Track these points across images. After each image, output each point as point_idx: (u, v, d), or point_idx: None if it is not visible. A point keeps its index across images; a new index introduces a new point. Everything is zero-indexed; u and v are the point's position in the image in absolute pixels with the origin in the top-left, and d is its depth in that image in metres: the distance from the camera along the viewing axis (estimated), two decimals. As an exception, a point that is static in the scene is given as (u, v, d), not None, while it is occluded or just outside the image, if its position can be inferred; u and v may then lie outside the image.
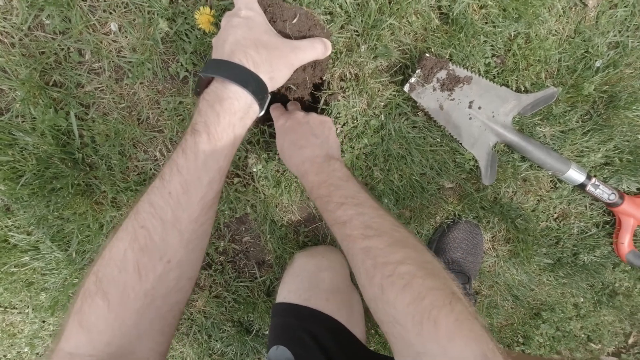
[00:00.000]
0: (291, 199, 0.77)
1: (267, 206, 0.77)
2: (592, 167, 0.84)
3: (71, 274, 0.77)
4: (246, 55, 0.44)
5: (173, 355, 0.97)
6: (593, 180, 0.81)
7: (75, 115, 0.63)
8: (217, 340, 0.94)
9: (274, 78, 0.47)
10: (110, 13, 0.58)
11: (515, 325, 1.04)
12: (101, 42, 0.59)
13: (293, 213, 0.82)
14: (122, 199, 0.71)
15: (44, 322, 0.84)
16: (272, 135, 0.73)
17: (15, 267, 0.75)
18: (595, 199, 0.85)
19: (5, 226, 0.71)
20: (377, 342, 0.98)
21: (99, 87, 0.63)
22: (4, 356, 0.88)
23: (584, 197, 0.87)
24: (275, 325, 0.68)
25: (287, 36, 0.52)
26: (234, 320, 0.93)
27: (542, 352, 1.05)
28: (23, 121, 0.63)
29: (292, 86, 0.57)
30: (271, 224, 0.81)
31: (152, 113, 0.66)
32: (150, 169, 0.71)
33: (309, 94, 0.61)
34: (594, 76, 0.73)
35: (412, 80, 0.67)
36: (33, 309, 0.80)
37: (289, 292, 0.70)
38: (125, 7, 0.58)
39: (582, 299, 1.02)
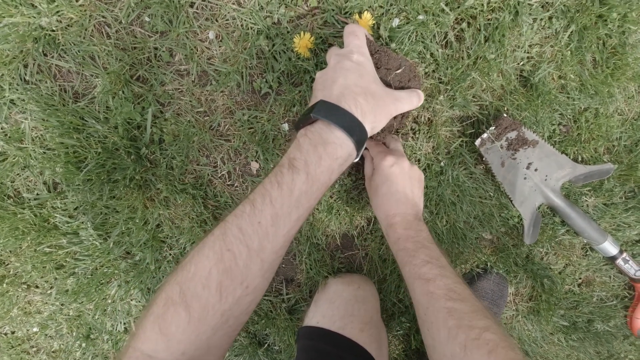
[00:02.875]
0: (337, 226, 0.78)
1: (313, 229, 0.77)
2: (625, 242, 0.86)
3: (104, 263, 0.76)
4: (356, 103, 0.45)
5: (180, 356, 0.96)
6: (624, 255, 0.83)
7: (152, 113, 0.63)
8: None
9: (375, 127, 0.49)
10: (213, 22, 0.58)
11: (518, 378, 1.05)
12: (195, 48, 0.59)
13: (335, 239, 0.82)
14: (174, 200, 0.70)
15: (62, 305, 0.82)
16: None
17: (49, 247, 0.73)
18: (621, 272, 0.87)
19: (52, 207, 0.70)
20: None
21: (179, 89, 0.63)
22: (12, 332, 0.85)
23: (610, 268, 0.89)
24: (307, 348, 0.68)
25: (388, 85, 0.53)
26: (249, 331, 0.92)
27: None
28: (97, 109, 0.62)
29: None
30: (311, 245, 0.81)
31: (224, 122, 0.66)
32: (208, 175, 0.70)
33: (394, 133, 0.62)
34: (650, 160, 0.75)
35: (485, 135, 0.68)
36: (57, 292, 0.78)
37: (323, 317, 0.70)
38: (229, 20, 0.58)
39: (586, 364, 1.04)
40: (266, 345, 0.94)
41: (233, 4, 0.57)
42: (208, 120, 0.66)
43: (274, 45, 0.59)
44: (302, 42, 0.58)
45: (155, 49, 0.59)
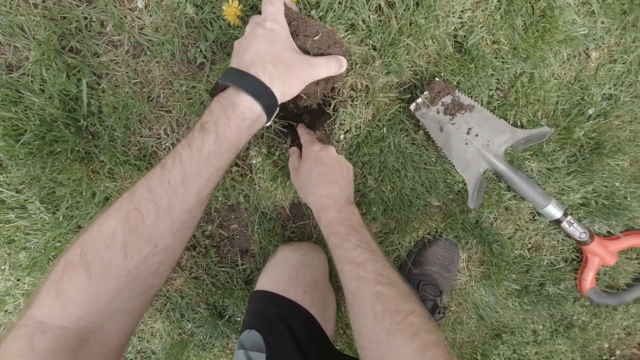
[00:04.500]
0: (285, 195, 0.79)
1: (260, 198, 0.79)
2: (570, 205, 0.89)
3: (54, 237, 0.77)
4: (264, 69, 0.47)
5: (142, 330, 0.98)
6: (569, 217, 0.86)
7: (87, 84, 0.63)
8: (189, 321, 0.96)
9: (286, 93, 0.50)
10: (139, -11, 0.58)
11: (476, 343, 1.09)
12: (125, 17, 0.60)
13: (284, 208, 0.84)
14: (119, 172, 0.72)
15: (18, 280, 0.83)
16: (277, 132, 0.75)
17: (4, 224, 0.75)
18: (568, 235, 0.90)
19: (-4, 181, 0.71)
20: (343, 342, 1.02)
21: (114, 60, 0.64)
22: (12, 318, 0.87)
23: (558, 232, 0.92)
24: (251, 310, 0.71)
25: (306, 52, 0.54)
26: (209, 303, 0.94)
27: (497, 372, 1.11)
28: (32, 81, 0.63)
29: (303, 95, 0.59)
30: (261, 215, 0.83)
31: (163, 93, 0.67)
32: (152, 146, 0.71)
33: (320, 98, 0.63)
34: (586, 122, 0.78)
35: (419, 100, 0.70)
36: (10, 266, 0.79)
37: (268, 281, 0.73)
38: (154, -14, 0.59)
39: (541, 327, 1.08)
40: (227, 316, 0.97)
41: (157, -30, 0.57)
42: (146, 92, 0.66)
43: (203, 13, 0.59)
44: (230, 10, 0.58)
45: (85, 18, 0.60)
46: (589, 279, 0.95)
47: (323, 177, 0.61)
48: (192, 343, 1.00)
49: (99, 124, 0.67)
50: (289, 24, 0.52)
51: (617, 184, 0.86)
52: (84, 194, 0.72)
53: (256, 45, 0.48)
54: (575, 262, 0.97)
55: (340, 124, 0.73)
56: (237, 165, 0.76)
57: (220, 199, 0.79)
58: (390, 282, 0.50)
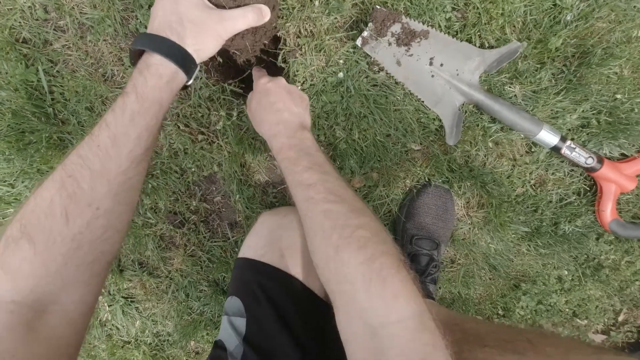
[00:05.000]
0: (255, 158, 0.79)
1: (232, 164, 0.80)
2: (569, 129, 0.81)
3: (53, 227, 0.83)
4: (171, 30, 0.48)
5: (155, 313, 1.02)
6: (568, 142, 0.78)
7: (45, 72, 0.68)
8: (195, 300, 0.98)
9: (201, 50, 0.50)
10: (69, -31, 0.62)
11: (494, 296, 1.02)
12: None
13: (260, 173, 0.84)
14: (94, 154, 0.75)
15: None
16: (234, 94, 0.75)
17: (2, 218, 0.81)
18: (574, 163, 0.82)
19: (-9, 178, 0.77)
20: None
21: (65, 45, 0.67)
22: None
23: (562, 162, 0.84)
24: (233, 278, 0.71)
25: (221, 7, 0.53)
26: (210, 279, 0.96)
27: (524, 325, 1.03)
28: (-1, 77, 0.68)
29: (236, 52, 0.58)
30: (239, 183, 0.83)
31: (116, 70, 0.70)
32: (119, 126, 0.74)
33: (255, 52, 0.62)
34: (562, 30, 0.70)
35: (365, 34, 0.67)
36: None
37: (248, 247, 0.73)
38: (83, -36, 0.62)
39: (565, 272, 0.99)
40: (229, 292, 0.98)
41: (80, -54, 0.60)
42: (101, 72, 0.70)
43: (130, -20, 0.61)
44: (156, -28, 0.59)
45: (29, 7, 0.64)
46: (608, 210, 0.85)
47: (272, 106, 0.60)
48: (202, 322, 1.03)
49: (65, 109, 0.71)
50: None
51: (618, 96, 0.77)
52: (66, 180, 0.77)
53: (162, 8, 0.49)
54: (589, 193, 0.87)
55: (294, 75, 0.72)
56: (202, 133, 0.77)
57: (194, 170, 0.81)
58: (341, 199, 0.49)
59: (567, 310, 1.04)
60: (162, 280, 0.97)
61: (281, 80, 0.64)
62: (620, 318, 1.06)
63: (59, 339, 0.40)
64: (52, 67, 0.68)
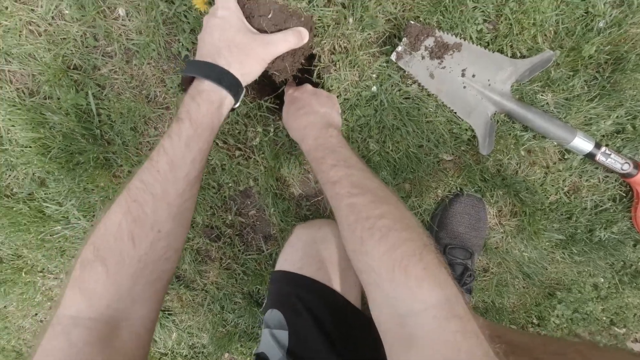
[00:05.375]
0: (290, 172, 0.81)
1: (268, 179, 0.82)
2: (603, 135, 0.80)
3: (96, 243, 0.86)
4: (220, 56, 0.51)
5: (190, 325, 1.04)
6: (603, 149, 0.78)
7: (93, 95, 0.71)
8: (229, 312, 1.00)
9: (247, 74, 0.53)
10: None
11: (528, 305, 1.01)
12: (111, 27, 0.67)
13: (295, 187, 0.85)
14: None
15: (76, 287, 0.93)
16: (270, 110, 0.77)
17: (50, 235, 0.85)
18: (609, 170, 0.81)
19: (41, 197, 0.81)
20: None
21: (112, 69, 0.71)
22: (45, 318, 0.99)
23: (596, 168, 0.84)
24: (271, 291, 0.73)
25: (263, 31, 0.56)
26: (244, 292, 0.98)
27: (560, 334, 1.01)
28: (50, 102, 0.72)
29: (275, 73, 0.61)
30: (274, 197, 0.85)
31: (159, 91, 0.73)
32: (161, 144, 0.78)
33: (294, 72, 0.65)
34: (595, 37, 0.70)
35: (399, 48, 0.68)
36: (66, 275, 0.89)
37: (284, 260, 0.74)
38: (130, -6, 0.65)
39: (602, 279, 0.97)
40: (263, 304, 0.99)
41: (129, -23, 0.64)
42: (144, 93, 0.73)
43: (175, 7, 0.64)
44: (199, -1, 0.63)
45: (80, 36, 0.67)
46: (645, 216, 0.84)
47: (299, 111, 0.62)
48: (236, 334, 1.05)
49: (111, 130, 0.74)
50: (243, 7, 0.55)
51: (654, 100, 0.76)
52: (111, 198, 0.80)
53: (210, 35, 0.52)
54: (625, 199, 0.86)
55: (328, 90, 0.74)
56: (239, 149, 0.80)
57: (231, 185, 0.83)
58: (364, 191, 0.50)
59: (604, 318, 1.02)
60: (198, 293, 0.99)
61: (306, 86, 0.67)
62: (661, 326, 1.03)
63: (130, 353, 0.43)
64: (100, 91, 0.71)
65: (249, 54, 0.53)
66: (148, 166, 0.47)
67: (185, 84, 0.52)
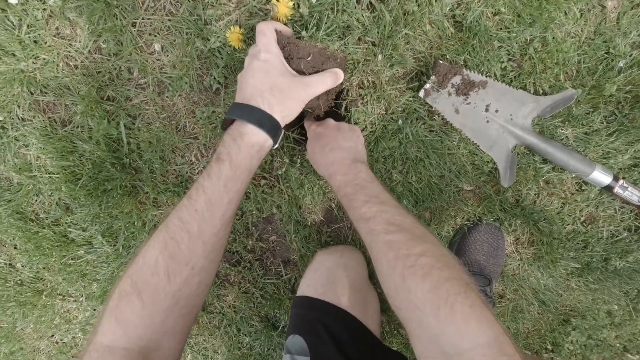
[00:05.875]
0: (314, 200, 0.82)
1: (291, 207, 0.83)
2: (620, 168, 0.82)
3: (118, 267, 0.87)
4: (262, 99, 0.52)
5: (206, 347, 1.04)
6: (621, 182, 0.79)
7: (124, 125, 0.72)
8: (245, 335, 1.00)
9: (286, 116, 0.54)
10: (155, 36, 0.66)
11: (542, 331, 1.02)
12: (147, 61, 0.68)
13: (316, 214, 0.86)
14: (162, 199, 0.79)
15: (94, 310, 0.94)
16: (296, 141, 0.79)
17: (72, 259, 0.85)
18: (625, 201, 0.83)
19: (65, 222, 0.81)
20: (398, 342, 1.00)
21: (144, 100, 0.72)
22: (61, 340, 0.98)
23: (612, 200, 0.85)
24: (293, 316, 0.73)
25: (302, 72, 0.57)
26: (262, 315, 0.99)
27: (576, 362, 1.02)
28: (82, 131, 0.73)
29: (309, 110, 0.62)
30: (295, 224, 0.86)
31: (188, 122, 0.74)
32: (187, 172, 0.79)
33: (326, 108, 0.66)
34: (616, 77, 0.72)
35: (427, 86, 0.70)
36: (86, 298, 0.90)
37: (307, 286, 0.75)
38: (167, 30, 0.67)
39: (615, 307, 0.99)
40: (279, 327, 1.00)
41: (166, 15, 0.65)
42: (174, 124, 0.74)
43: (210, 43, 0.66)
44: (234, 36, 0.64)
45: (115, 69, 0.69)
46: (661, 247, 0.86)
47: (324, 148, 0.63)
48: (252, 357, 1.05)
49: (139, 159, 0.75)
50: (283, 49, 0.56)
51: (670, 136, 0.78)
52: (135, 224, 0.81)
53: (253, 77, 0.53)
54: (640, 230, 0.88)
55: (355, 122, 0.75)
56: (264, 178, 0.81)
57: (254, 212, 0.84)
58: (401, 228, 0.50)
59: (617, 345, 1.03)
60: (215, 316, 0.99)
61: (329, 121, 0.67)
62: (673, 353, 1.04)
63: None
64: (131, 121, 0.73)
65: (290, 96, 0.54)
66: (187, 204, 0.48)
67: (227, 123, 0.53)
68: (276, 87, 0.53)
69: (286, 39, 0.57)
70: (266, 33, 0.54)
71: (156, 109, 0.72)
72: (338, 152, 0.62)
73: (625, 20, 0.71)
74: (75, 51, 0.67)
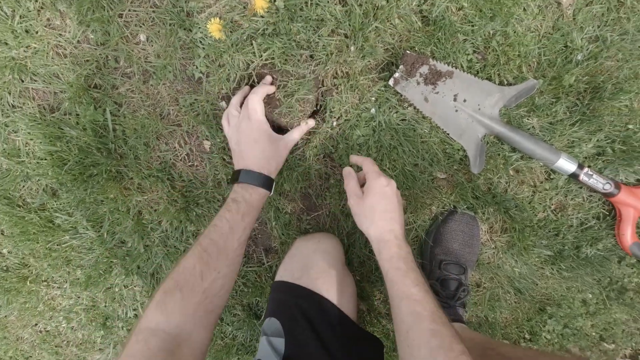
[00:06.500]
0: (292, 187, 0.86)
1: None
2: (586, 157, 0.86)
3: (102, 253, 0.89)
4: (260, 167, 0.71)
5: (190, 338, 1.05)
6: (585, 170, 0.83)
7: (110, 112, 0.76)
8: (228, 324, 1.02)
9: (277, 168, 0.76)
10: (140, 26, 0.71)
11: (520, 320, 1.04)
12: (132, 51, 0.72)
13: (296, 202, 0.90)
14: (146, 185, 0.82)
15: (78, 297, 0.95)
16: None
17: (57, 244, 0.88)
18: (592, 189, 0.87)
19: (52, 208, 0.84)
20: (379, 331, 1.02)
21: (129, 88, 0.76)
22: (45, 329, 1.00)
23: (580, 188, 0.89)
24: (270, 300, 0.76)
25: (279, 125, 0.78)
26: (244, 304, 1.00)
27: (551, 350, 1.04)
28: (69, 118, 0.77)
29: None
30: (276, 211, 0.89)
31: (172, 109, 0.78)
32: (171, 159, 0.82)
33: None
34: (574, 68, 0.77)
35: (396, 75, 0.75)
36: (70, 284, 0.91)
37: (284, 271, 0.78)
38: (152, 21, 0.71)
39: (590, 295, 1.01)
40: (262, 316, 1.01)
41: (151, 7, 0.70)
42: (158, 111, 0.78)
43: (192, 34, 0.70)
44: (214, 27, 0.69)
45: (102, 58, 0.73)
46: (628, 234, 0.89)
47: (387, 214, 0.66)
48: (234, 347, 1.06)
49: (124, 145, 0.79)
50: (266, 104, 0.73)
51: (630, 126, 0.83)
52: (120, 209, 0.84)
53: (252, 150, 0.72)
54: (609, 217, 0.91)
55: (330, 111, 0.79)
56: (245, 165, 0.84)
57: (235, 199, 0.87)
58: (444, 322, 0.55)
59: (593, 334, 1.05)
60: (199, 305, 1.00)
61: (394, 184, 0.69)
62: (648, 342, 1.06)
63: None
64: (117, 108, 0.76)
65: (278, 156, 0.75)
66: (215, 229, 0.66)
67: (235, 182, 0.71)
68: (273, 158, 0.73)
69: (269, 98, 0.75)
70: (257, 110, 0.72)
71: (141, 97, 0.76)
72: (397, 225, 0.66)
73: (581, 16, 0.76)
74: (65, 41, 0.71)
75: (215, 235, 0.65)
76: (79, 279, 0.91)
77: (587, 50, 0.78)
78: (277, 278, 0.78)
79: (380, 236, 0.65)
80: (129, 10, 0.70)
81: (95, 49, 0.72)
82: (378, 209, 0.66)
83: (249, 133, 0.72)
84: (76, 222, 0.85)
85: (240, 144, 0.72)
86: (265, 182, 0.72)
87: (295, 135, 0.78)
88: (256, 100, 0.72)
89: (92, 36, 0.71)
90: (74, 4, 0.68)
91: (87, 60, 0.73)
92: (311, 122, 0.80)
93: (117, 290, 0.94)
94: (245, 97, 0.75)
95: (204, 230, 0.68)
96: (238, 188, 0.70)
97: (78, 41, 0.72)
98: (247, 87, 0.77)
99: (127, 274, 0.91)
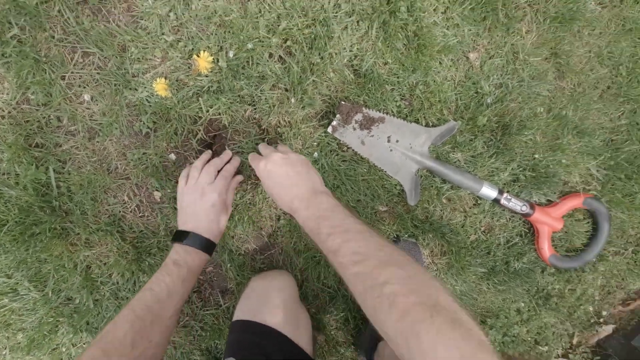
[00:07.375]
0: (244, 230, 0.89)
1: (224, 237, 0.88)
2: (504, 184, 0.99)
3: (47, 313, 0.85)
4: (208, 232, 0.72)
5: (146, 390, 1.02)
6: (505, 195, 0.95)
7: (54, 170, 0.76)
8: (187, 372, 1.00)
9: (221, 232, 0.76)
10: (84, 87, 0.73)
11: (465, 334, 1.12)
12: (76, 110, 0.74)
13: (249, 242, 0.93)
14: (95, 239, 0.82)
15: (20, 363, 0.89)
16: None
17: (-4, 310, 0.83)
18: (512, 211, 0.99)
19: (-11, 271, 0.80)
20: (339, 360, 1.05)
21: (74, 146, 0.76)
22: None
23: (503, 211, 1.01)
24: (228, 340, 0.78)
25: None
26: (202, 349, 1.00)
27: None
28: (8, 178, 0.75)
29: None
30: (230, 253, 0.91)
31: (120, 164, 0.79)
32: (120, 211, 0.82)
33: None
34: (485, 110, 0.90)
35: (334, 123, 0.82)
36: (10, 350, 0.86)
37: (241, 310, 0.80)
38: (96, 82, 0.73)
39: (522, 304, 1.13)
40: (221, 359, 1.01)
41: (95, 69, 0.72)
42: (105, 166, 0.78)
43: (138, 92, 0.73)
44: (159, 86, 0.72)
45: (44, 118, 0.73)
46: (545, 247, 1.02)
47: (280, 186, 0.64)
48: (195, 394, 1.04)
49: (69, 201, 0.78)
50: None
51: (536, 156, 0.97)
52: (66, 266, 0.82)
53: (199, 216, 0.73)
54: (529, 234, 1.04)
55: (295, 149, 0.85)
56: (196, 212, 0.86)
57: (189, 245, 0.88)
58: (365, 256, 0.49)
59: (529, 339, 1.17)
60: (155, 355, 0.98)
61: (275, 156, 0.66)
62: (574, 341, 1.20)
63: None
64: (61, 166, 0.76)
65: (223, 222, 0.76)
66: (151, 294, 0.64)
67: (177, 241, 0.71)
68: (215, 223, 0.74)
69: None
70: (229, 187, 0.77)
71: (87, 153, 0.77)
72: (295, 188, 0.63)
73: (487, 67, 0.90)
74: (2, 102, 0.71)
75: (151, 300, 0.62)
76: (19, 343, 0.86)
77: (494, 95, 0.91)
78: (235, 318, 0.80)
79: (289, 209, 0.63)
80: (72, 73, 0.71)
81: (37, 109, 0.73)
82: (274, 190, 0.65)
83: (202, 202, 0.73)
84: (16, 284, 0.82)
85: (191, 206, 0.73)
86: (210, 247, 0.73)
87: (231, 195, 0.79)
88: (230, 191, 0.78)
89: (33, 97, 0.72)
90: (12, 68, 0.68)
91: (28, 121, 0.72)
92: (241, 178, 0.83)
93: (64, 350, 0.90)
94: (207, 162, 0.76)
95: (137, 292, 0.64)
96: (180, 249, 0.69)
97: (17, 103, 0.72)
98: (209, 152, 0.80)
99: (76, 331, 0.87)
